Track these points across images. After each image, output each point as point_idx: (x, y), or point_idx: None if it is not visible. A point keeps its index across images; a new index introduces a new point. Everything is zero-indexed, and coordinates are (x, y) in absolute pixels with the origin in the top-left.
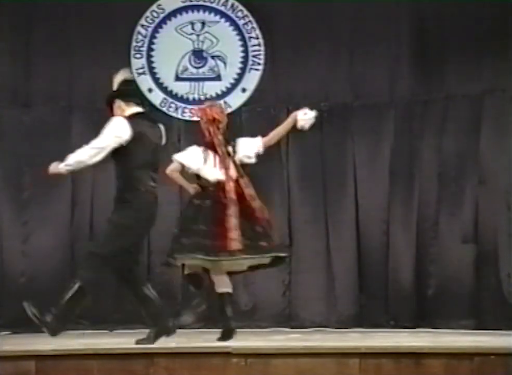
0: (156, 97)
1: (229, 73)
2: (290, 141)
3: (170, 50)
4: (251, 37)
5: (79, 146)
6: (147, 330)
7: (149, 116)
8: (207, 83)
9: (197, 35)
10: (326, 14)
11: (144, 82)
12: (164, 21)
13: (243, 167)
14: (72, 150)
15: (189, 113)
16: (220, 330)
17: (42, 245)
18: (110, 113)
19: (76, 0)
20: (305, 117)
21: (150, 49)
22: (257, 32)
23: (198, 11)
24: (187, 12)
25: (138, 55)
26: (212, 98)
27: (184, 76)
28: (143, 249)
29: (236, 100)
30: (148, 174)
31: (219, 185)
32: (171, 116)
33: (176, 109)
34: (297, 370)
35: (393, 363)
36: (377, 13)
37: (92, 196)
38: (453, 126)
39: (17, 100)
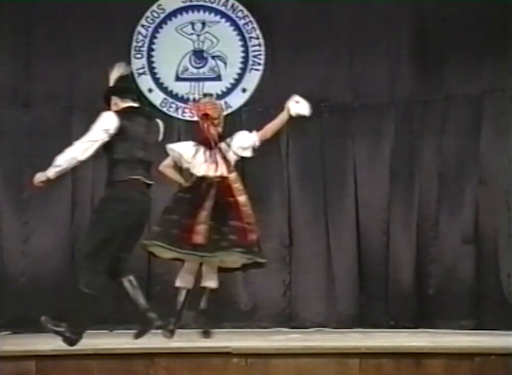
0: (157, 97)
1: (230, 73)
2: (290, 142)
3: (171, 50)
4: (251, 37)
5: None
6: None
7: (144, 111)
8: (207, 83)
9: (198, 35)
10: (326, 14)
11: (145, 82)
12: (164, 21)
13: (239, 162)
14: None
15: (189, 113)
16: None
17: (42, 245)
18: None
19: (76, 0)
20: (297, 105)
21: (150, 49)
22: (258, 32)
23: (198, 11)
24: (187, 12)
25: (139, 56)
26: (206, 94)
27: (184, 76)
28: (134, 245)
29: (236, 100)
30: (133, 169)
31: (205, 179)
32: (171, 116)
33: (176, 109)
34: (298, 370)
35: (393, 363)
36: (377, 13)
37: (92, 196)
38: (453, 126)
39: (17, 100)
